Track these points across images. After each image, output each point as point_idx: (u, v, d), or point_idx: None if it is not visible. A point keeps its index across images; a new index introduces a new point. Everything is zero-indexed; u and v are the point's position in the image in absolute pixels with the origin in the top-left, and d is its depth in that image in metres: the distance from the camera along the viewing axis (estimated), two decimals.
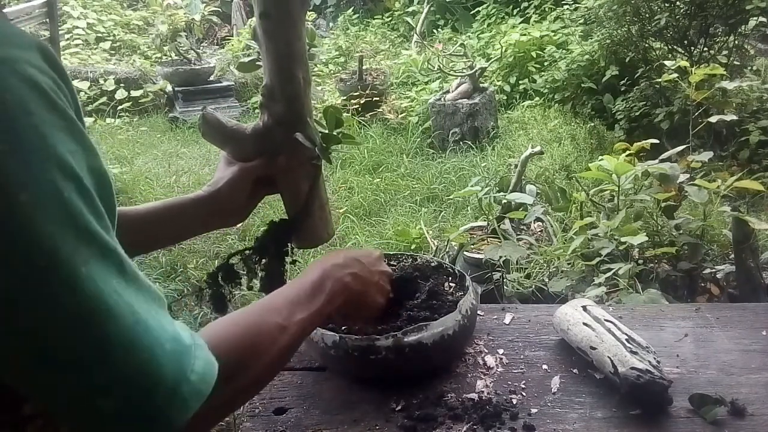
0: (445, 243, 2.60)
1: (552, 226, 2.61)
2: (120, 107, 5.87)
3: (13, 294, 0.43)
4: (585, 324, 1.02)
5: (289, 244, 0.94)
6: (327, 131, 0.94)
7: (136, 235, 0.88)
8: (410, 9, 7.50)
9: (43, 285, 0.43)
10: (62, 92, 0.48)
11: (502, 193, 2.41)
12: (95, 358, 0.45)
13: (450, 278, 1.16)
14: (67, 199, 0.45)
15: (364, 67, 5.42)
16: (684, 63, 2.64)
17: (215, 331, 0.60)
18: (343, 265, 0.83)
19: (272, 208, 3.58)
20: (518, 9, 6.59)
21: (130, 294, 0.48)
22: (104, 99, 5.85)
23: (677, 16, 4.01)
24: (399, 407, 0.94)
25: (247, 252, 0.93)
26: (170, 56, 6.73)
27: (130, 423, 0.48)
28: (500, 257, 1.93)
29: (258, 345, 0.63)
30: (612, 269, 1.83)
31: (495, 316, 1.18)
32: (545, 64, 5.27)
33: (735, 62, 4.12)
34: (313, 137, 0.89)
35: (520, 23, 6.04)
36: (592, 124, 4.42)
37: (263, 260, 0.93)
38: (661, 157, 2.13)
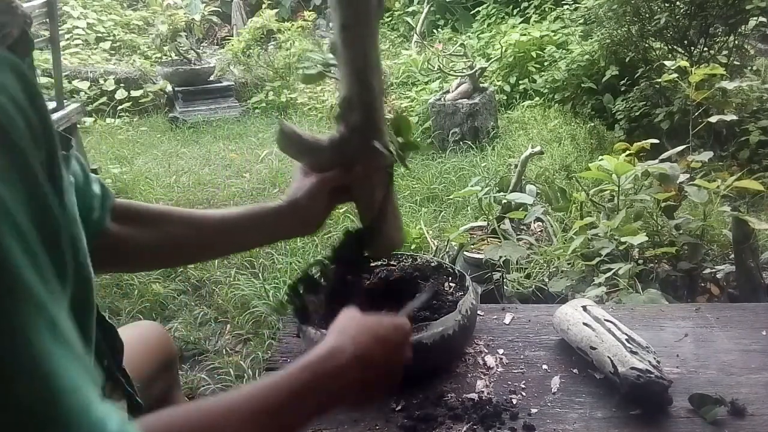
0: (445, 243, 2.60)
1: (552, 226, 2.61)
2: (120, 107, 5.87)
3: None
4: (585, 324, 1.02)
5: (364, 252, 0.95)
6: (403, 139, 0.96)
7: (217, 238, 0.90)
8: (410, 9, 7.50)
9: None
10: (23, 120, 0.45)
11: (502, 193, 2.41)
12: None
13: (450, 278, 1.16)
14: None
15: None
16: (684, 63, 2.64)
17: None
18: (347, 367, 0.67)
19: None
20: (518, 9, 6.59)
21: (47, 354, 0.43)
22: (104, 99, 5.86)
23: (677, 16, 4.01)
24: (399, 407, 0.94)
25: (326, 262, 0.94)
26: (170, 56, 6.72)
27: None
28: (500, 257, 1.93)
29: None
30: (612, 269, 1.83)
31: (495, 316, 1.18)
32: (545, 64, 5.27)
33: (735, 62, 4.11)
34: (388, 145, 0.90)
35: (520, 23, 6.04)
36: (592, 124, 4.42)
37: (335, 270, 0.94)
38: (661, 157, 2.13)
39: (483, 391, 0.97)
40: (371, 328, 0.71)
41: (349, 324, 0.72)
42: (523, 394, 0.97)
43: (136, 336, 1.02)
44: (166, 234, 0.88)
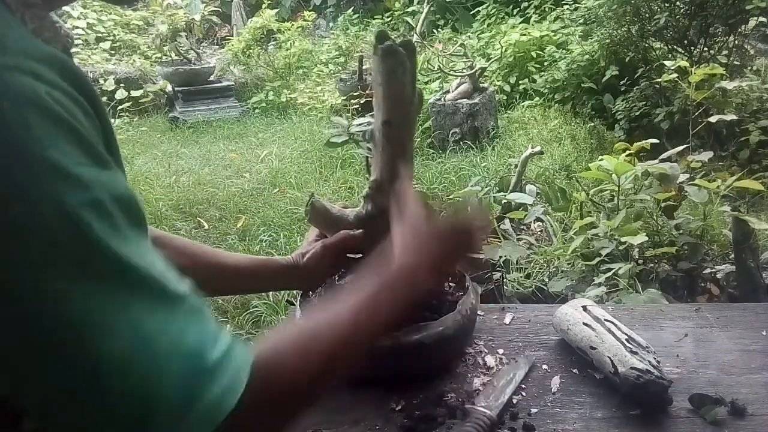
0: None
1: (552, 226, 2.61)
2: (120, 107, 5.87)
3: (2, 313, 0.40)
4: (585, 324, 1.02)
5: None
6: None
7: (231, 281, 0.97)
8: (410, 9, 7.51)
9: (34, 306, 0.40)
10: (81, 109, 0.45)
11: (502, 193, 2.41)
12: (84, 383, 0.42)
13: (450, 278, 1.16)
14: (76, 219, 0.41)
15: (364, 67, 5.42)
16: (684, 63, 2.64)
17: (276, 351, 0.56)
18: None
19: (272, 208, 3.59)
20: (518, 9, 6.59)
21: (139, 310, 0.43)
22: (104, 99, 5.84)
23: (677, 16, 4.01)
24: (399, 407, 0.94)
25: None
26: (170, 56, 6.73)
27: None
28: (500, 257, 1.93)
29: (315, 365, 0.58)
30: (612, 269, 1.83)
31: (495, 316, 1.18)
32: (545, 64, 5.27)
33: (735, 62, 4.11)
34: None
35: (520, 23, 6.04)
36: (592, 124, 4.42)
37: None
38: (661, 157, 2.13)
39: (483, 391, 0.97)
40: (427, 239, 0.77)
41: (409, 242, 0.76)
42: (523, 394, 0.97)
43: None
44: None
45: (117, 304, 0.42)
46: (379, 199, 0.93)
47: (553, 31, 5.61)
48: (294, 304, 1.04)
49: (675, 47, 4.16)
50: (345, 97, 5.27)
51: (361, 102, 5.10)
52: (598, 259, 1.90)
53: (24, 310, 0.40)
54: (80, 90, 0.46)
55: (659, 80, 3.36)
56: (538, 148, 2.62)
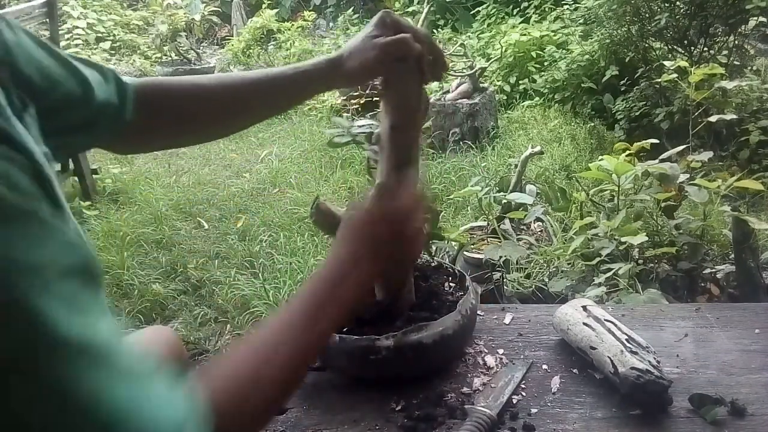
0: (445, 243, 2.60)
1: (552, 226, 2.61)
2: None
3: None
4: (585, 324, 1.02)
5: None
6: (432, 229, 1.11)
7: (255, 102, 0.89)
8: (410, 9, 7.50)
9: (7, 400, 0.39)
10: (19, 169, 0.43)
11: (502, 193, 2.41)
12: None
13: (450, 278, 1.16)
14: (31, 309, 0.40)
15: None
16: (684, 63, 2.64)
17: (215, 386, 0.56)
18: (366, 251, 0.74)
19: (272, 208, 3.59)
20: (518, 9, 6.59)
21: (113, 387, 0.43)
22: None
23: (677, 16, 4.01)
24: (399, 407, 0.94)
25: None
26: (170, 56, 6.73)
27: None
28: (500, 257, 1.93)
29: (275, 367, 0.60)
30: (612, 269, 1.83)
31: (495, 316, 1.18)
32: (545, 64, 5.27)
33: (735, 62, 4.11)
34: None
35: (520, 23, 6.04)
36: (592, 124, 4.42)
37: None
38: (661, 157, 2.13)
39: (482, 391, 0.97)
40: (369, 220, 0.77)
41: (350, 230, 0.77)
42: (523, 394, 0.97)
43: (146, 341, 1.01)
44: (196, 114, 0.89)
45: (89, 388, 0.42)
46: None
47: (553, 31, 5.61)
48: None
49: (675, 47, 4.16)
50: (345, 98, 5.27)
51: (361, 102, 5.09)
52: (598, 259, 1.90)
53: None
54: (11, 145, 0.44)
55: (659, 80, 3.36)
56: (538, 148, 2.62)
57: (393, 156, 0.91)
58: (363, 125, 1.13)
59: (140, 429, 0.44)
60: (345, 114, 4.95)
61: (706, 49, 4.04)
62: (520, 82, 5.29)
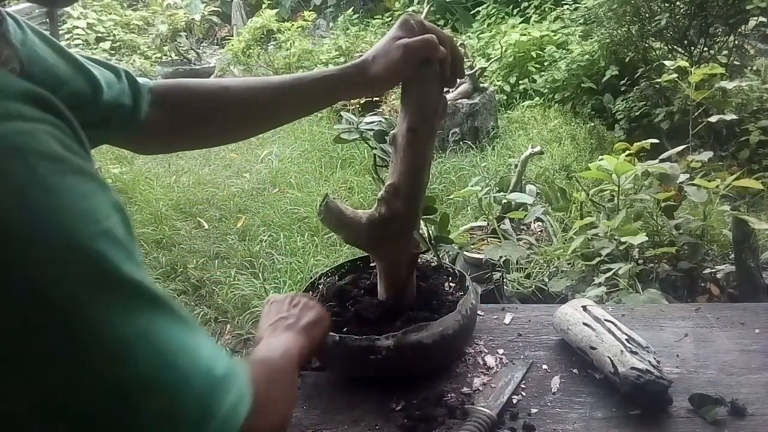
0: (452, 246, 2.60)
1: (552, 226, 2.61)
2: None
3: (31, 346, 0.40)
4: (585, 324, 1.02)
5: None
6: (440, 232, 1.13)
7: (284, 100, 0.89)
8: (410, 9, 7.50)
9: (63, 335, 0.41)
10: (66, 135, 0.45)
11: (502, 193, 2.41)
12: (113, 411, 0.43)
13: (450, 278, 1.16)
14: (93, 252, 0.43)
15: None
16: (684, 63, 2.64)
17: (250, 365, 0.60)
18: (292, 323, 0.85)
19: (272, 208, 3.59)
20: (518, 9, 6.59)
21: (160, 330, 0.45)
22: None
23: (677, 16, 4.01)
24: (399, 407, 0.94)
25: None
26: (170, 56, 6.73)
27: None
28: (500, 257, 1.93)
29: (284, 385, 0.66)
30: (612, 269, 1.83)
31: (495, 316, 1.18)
32: (545, 64, 5.27)
33: (735, 62, 4.11)
34: (421, 235, 1.01)
35: (520, 23, 6.04)
36: (592, 124, 4.42)
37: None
38: (661, 157, 2.13)
39: (482, 391, 0.97)
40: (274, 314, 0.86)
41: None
42: (523, 394, 0.97)
43: None
44: (219, 116, 0.89)
45: (140, 326, 0.44)
46: (393, 203, 0.94)
47: (553, 31, 5.61)
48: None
49: (675, 47, 4.16)
50: None
51: (362, 102, 5.09)
52: (598, 259, 1.90)
53: (56, 342, 0.41)
54: (59, 116, 0.46)
55: (659, 80, 3.36)
56: (538, 148, 2.62)
57: (408, 158, 0.92)
58: (371, 122, 1.13)
59: (196, 369, 0.46)
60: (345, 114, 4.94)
61: (706, 49, 4.04)
62: (520, 82, 5.29)
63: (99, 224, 0.43)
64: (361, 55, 0.91)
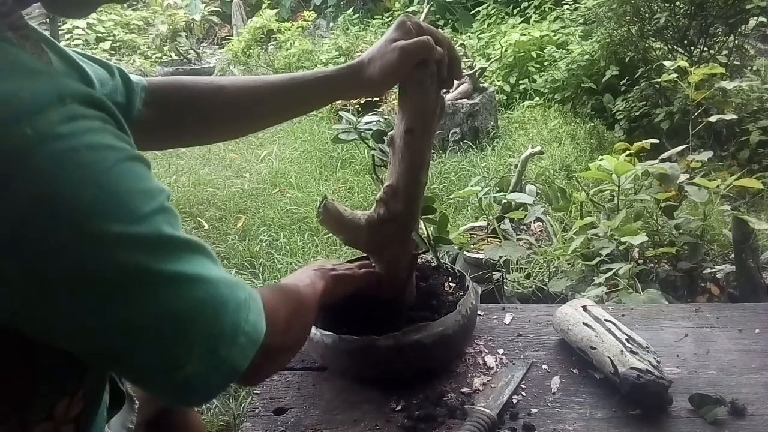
0: (452, 246, 2.60)
1: (552, 226, 2.61)
2: None
3: (117, 291, 0.50)
4: (585, 324, 1.02)
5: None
6: (439, 233, 1.15)
7: (278, 100, 0.91)
8: (410, 9, 7.50)
9: (138, 283, 0.52)
10: (115, 126, 0.53)
11: (502, 193, 2.41)
12: (171, 333, 0.53)
13: (450, 278, 1.16)
14: (155, 223, 0.53)
15: None
16: (684, 63, 2.64)
17: (264, 291, 0.69)
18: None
19: (272, 208, 3.59)
20: (518, 9, 6.59)
21: (206, 268, 0.56)
22: None
23: (677, 16, 4.01)
24: (399, 407, 0.94)
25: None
26: (170, 56, 6.73)
27: (201, 379, 0.56)
28: (500, 257, 1.93)
29: (300, 313, 0.75)
30: (612, 269, 1.83)
31: (495, 316, 1.18)
32: (545, 64, 5.27)
33: (735, 62, 4.11)
34: (420, 236, 1.01)
35: (520, 23, 6.04)
36: (592, 124, 4.42)
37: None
38: (661, 157, 2.13)
39: (482, 391, 0.97)
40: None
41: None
42: (523, 394, 0.97)
43: None
44: (215, 114, 0.91)
45: (194, 269, 0.55)
46: (392, 204, 0.94)
47: (553, 31, 5.61)
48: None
49: (675, 47, 4.16)
50: None
51: (362, 102, 5.09)
52: (598, 259, 1.90)
53: (133, 288, 0.52)
54: (108, 112, 0.53)
55: (659, 80, 3.36)
56: (538, 148, 2.62)
57: (406, 159, 0.91)
58: (370, 122, 1.13)
59: (229, 294, 0.57)
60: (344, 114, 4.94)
61: (706, 49, 4.04)
62: (520, 82, 5.29)
63: (155, 200, 0.54)
64: (360, 56, 0.91)
